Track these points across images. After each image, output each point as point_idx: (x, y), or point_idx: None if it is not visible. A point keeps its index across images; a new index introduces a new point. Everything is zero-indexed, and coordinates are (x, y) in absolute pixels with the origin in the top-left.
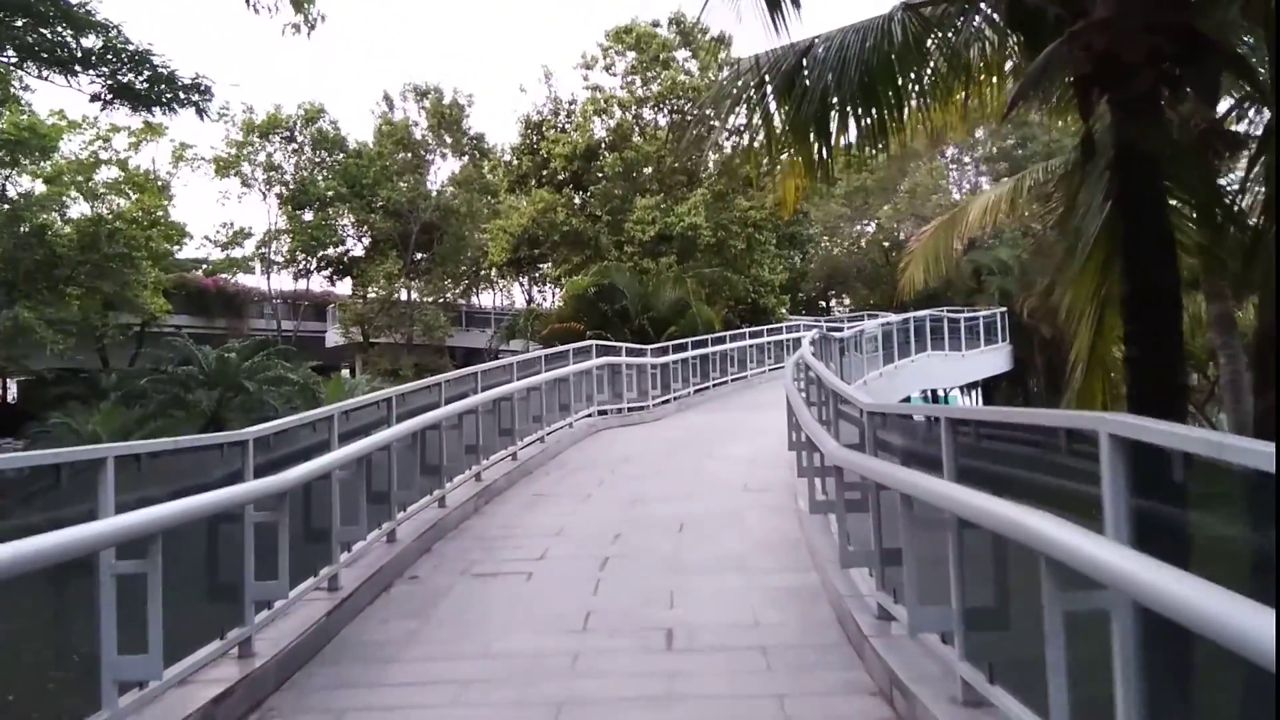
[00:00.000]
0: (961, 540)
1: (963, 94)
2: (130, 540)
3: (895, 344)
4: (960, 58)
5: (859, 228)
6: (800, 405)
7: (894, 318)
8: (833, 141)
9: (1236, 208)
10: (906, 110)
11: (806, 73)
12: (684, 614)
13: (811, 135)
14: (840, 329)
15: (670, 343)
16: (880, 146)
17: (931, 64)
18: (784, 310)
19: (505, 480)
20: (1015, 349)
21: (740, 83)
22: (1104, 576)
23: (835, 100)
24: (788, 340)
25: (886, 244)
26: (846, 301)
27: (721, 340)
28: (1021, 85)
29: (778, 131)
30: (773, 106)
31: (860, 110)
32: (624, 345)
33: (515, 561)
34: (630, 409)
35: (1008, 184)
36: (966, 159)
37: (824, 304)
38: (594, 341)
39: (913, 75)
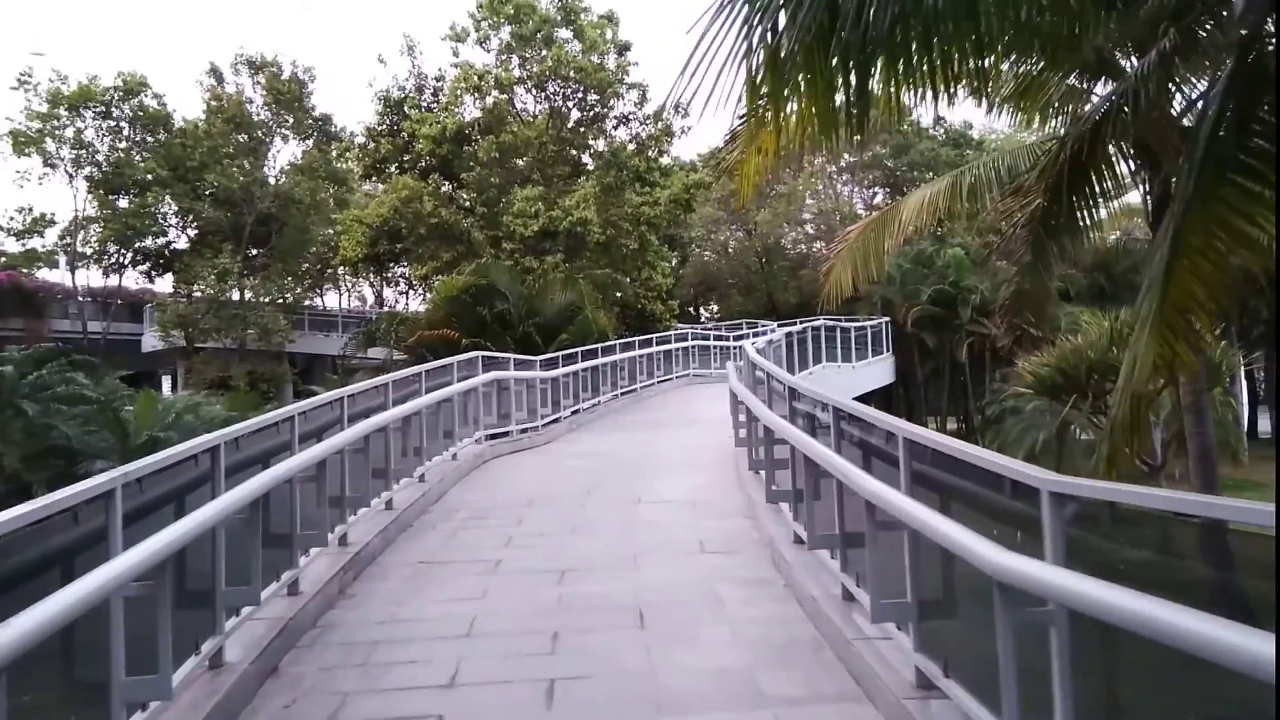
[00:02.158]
0: None
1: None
2: None
3: (796, 355)
4: None
5: (727, 234)
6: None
7: (775, 325)
8: (886, 83)
9: None
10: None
11: None
12: None
13: (844, 76)
14: (725, 337)
15: (560, 353)
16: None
17: None
18: (673, 318)
19: (380, 541)
20: (896, 360)
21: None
22: None
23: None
24: (676, 350)
25: (760, 248)
26: (714, 308)
27: (612, 350)
28: None
29: (785, 68)
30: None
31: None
32: (510, 356)
33: (411, 693)
34: (520, 431)
35: (944, 181)
36: (831, 168)
37: (692, 310)
38: (479, 353)
39: None
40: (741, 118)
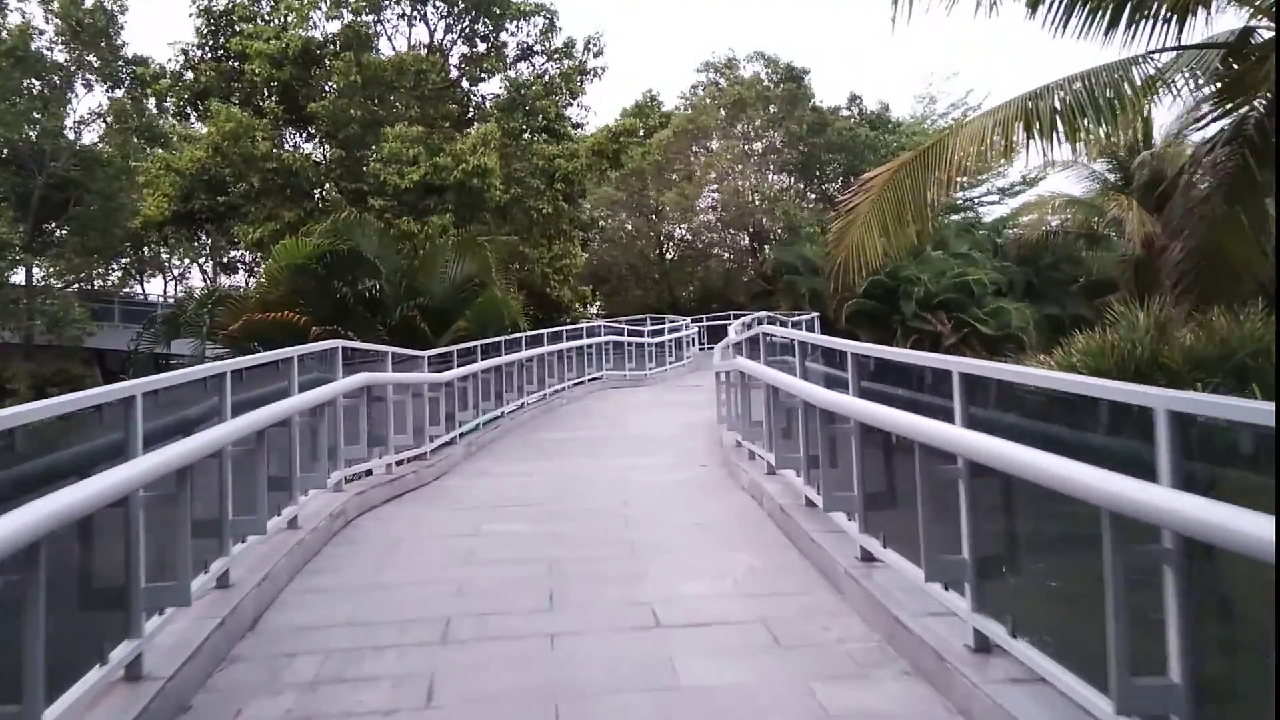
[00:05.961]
0: None
1: None
2: None
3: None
4: None
5: (624, 217)
6: None
7: (688, 321)
8: None
9: None
10: None
11: None
12: None
13: None
14: (640, 334)
15: (454, 348)
16: None
17: None
18: (585, 306)
19: None
20: None
21: None
22: None
23: None
24: (589, 347)
25: (662, 236)
26: (599, 304)
27: (517, 346)
28: None
29: None
30: None
31: None
32: (388, 350)
33: None
34: (403, 462)
35: (1013, 105)
36: (742, 146)
37: (580, 306)
38: (339, 342)
39: None
40: None
